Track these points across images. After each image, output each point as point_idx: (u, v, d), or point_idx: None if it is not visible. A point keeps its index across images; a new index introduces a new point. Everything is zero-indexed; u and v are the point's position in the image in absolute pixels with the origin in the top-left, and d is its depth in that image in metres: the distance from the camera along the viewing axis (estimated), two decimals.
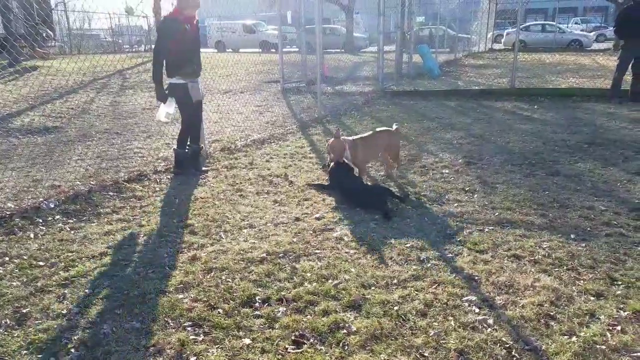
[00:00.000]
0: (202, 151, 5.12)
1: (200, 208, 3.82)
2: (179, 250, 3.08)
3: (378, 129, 4.52)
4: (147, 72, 13.23)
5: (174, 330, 2.28)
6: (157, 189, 4.30)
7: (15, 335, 2.24)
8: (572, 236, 3.19)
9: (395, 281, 2.68)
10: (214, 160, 5.20)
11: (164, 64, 4.38)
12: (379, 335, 2.21)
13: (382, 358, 2.08)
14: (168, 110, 4.62)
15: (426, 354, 2.09)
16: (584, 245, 3.05)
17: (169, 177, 4.64)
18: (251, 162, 5.16)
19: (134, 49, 24.82)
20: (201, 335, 2.25)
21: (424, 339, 2.19)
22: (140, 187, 4.30)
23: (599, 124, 6.66)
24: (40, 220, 3.53)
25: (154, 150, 5.59)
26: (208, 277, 2.75)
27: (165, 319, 2.36)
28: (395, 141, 4.58)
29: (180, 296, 2.55)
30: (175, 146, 4.76)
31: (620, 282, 2.61)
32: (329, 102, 8.95)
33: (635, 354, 2.06)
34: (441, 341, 2.17)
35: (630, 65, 7.96)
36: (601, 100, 8.36)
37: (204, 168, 4.88)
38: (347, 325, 2.28)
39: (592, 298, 2.47)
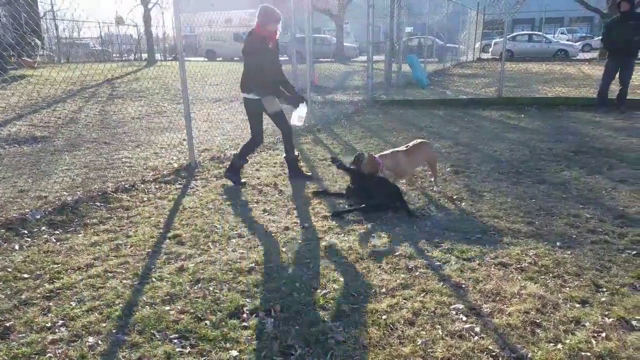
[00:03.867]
0: (292, 158, 4.97)
1: (189, 218, 3.80)
2: (166, 261, 3.06)
3: (416, 141, 4.47)
4: (136, 81, 13.21)
5: (160, 342, 2.26)
6: (145, 199, 4.27)
7: None
8: (558, 244, 3.23)
9: (383, 290, 2.68)
10: (203, 170, 5.19)
11: (243, 78, 4.42)
12: (367, 345, 2.21)
13: None
14: (300, 114, 4.59)
15: None
16: (569, 252, 3.09)
17: (157, 186, 4.61)
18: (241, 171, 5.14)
19: (123, 58, 24.76)
20: (188, 347, 2.23)
21: (412, 348, 2.19)
22: (128, 198, 4.27)
23: (584, 132, 6.77)
24: (26, 232, 3.49)
25: (143, 159, 5.56)
26: (195, 288, 2.73)
27: (152, 331, 2.33)
28: (433, 152, 4.61)
29: (167, 308, 2.53)
30: (236, 151, 4.73)
31: (605, 289, 2.65)
32: (319, 111, 9.00)
33: None
34: (429, 350, 2.18)
35: (617, 74, 8.13)
36: (587, 109, 8.51)
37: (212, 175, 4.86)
38: (335, 335, 2.28)
39: (577, 305, 2.50)
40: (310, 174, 5.01)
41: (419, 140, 4.51)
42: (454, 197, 4.22)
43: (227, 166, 4.83)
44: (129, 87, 12.11)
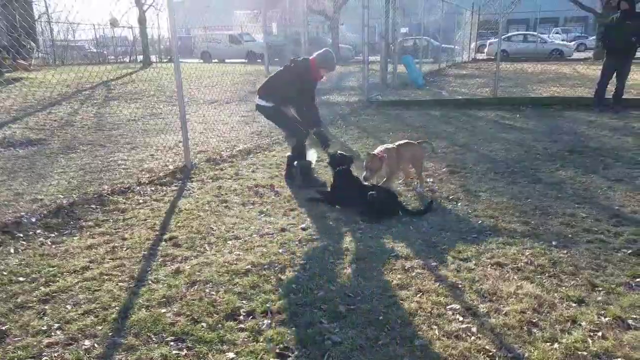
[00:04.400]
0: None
1: (185, 220, 3.79)
2: (163, 263, 3.05)
3: (401, 141, 4.48)
4: (132, 82, 13.16)
5: (156, 345, 2.25)
6: (141, 201, 4.26)
7: None
8: (554, 243, 3.24)
9: (380, 290, 2.68)
10: (199, 171, 5.18)
11: (284, 97, 4.65)
12: (364, 346, 2.21)
13: None
14: (312, 157, 4.97)
15: None
16: (565, 252, 3.10)
17: (153, 188, 4.60)
18: (237, 172, 5.15)
19: (119, 60, 24.69)
20: (184, 350, 2.22)
21: (409, 348, 2.19)
22: (124, 200, 4.26)
23: (579, 132, 6.81)
24: (21, 235, 3.47)
25: (138, 161, 5.54)
26: (192, 290, 2.72)
27: (148, 334, 2.33)
28: (420, 151, 4.55)
29: (164, 310, 2.52)
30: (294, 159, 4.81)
31: (601, 288, 2.66)
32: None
33: None
34: (426, 350, 2.18)
35: (615, 74, 8.17)
36: (582, 108, 8.55)
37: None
38: (332, 336, 2.28)
39: (573, 304, 2.51)
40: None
41: (405, 141, 4.53)
42: (450, 197, 4.23)
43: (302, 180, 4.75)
44: (124, 89, 12.07)
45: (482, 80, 13.86)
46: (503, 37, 20.39)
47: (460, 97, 10.53)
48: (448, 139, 6.57)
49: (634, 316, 2.39)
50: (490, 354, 2.14)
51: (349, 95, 11.10)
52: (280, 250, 3.21)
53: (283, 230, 3.58)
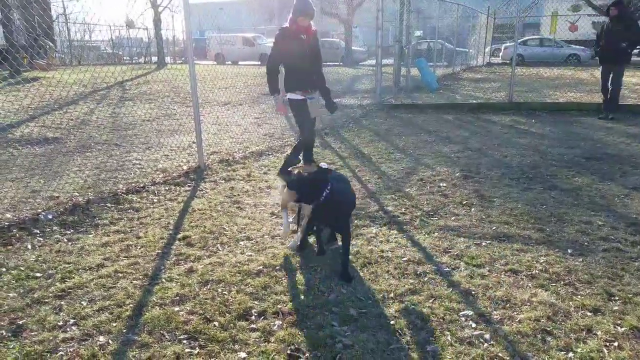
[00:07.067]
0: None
1: (198, 220, 3.82)
2: (176, 262, 3.08)
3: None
4: (146, 83, 13.33)
5: (169, 343, 2.27)
6: (155, 200, 4.31)
7: (11, 346, 2.23)
8: (570, 251, 3.19)
9: (391, 295, 2.67)
10: (212, 172, 5.22)
11: (284, 78, 4.38)
12: (375, 350, 2.20)
13: None
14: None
15: None
16: (581, 260, 3.06)
17: (167, 188, 4.64)
18: (249, 174, 5.18)
19: (134, 61, 25.02)
20: (197, 348, 2.24)
21: (420, 354, 2.18)
22: (138, 199, 4.31)
23: (596, 138, 6.71)
24: (38, 232, 3.53)
25: (153, 161, 5.60)
26: (204, 289, 2.74)
27: (161, 332, 2.35)
28: None
29: (177, 309, 2.54)
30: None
31: (617, 298, 2.61)
32: (327, 115, 8.99)
33: None
34: (437, 356, 2.16)
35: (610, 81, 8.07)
36: (599, 114, 8.42)
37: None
38: (342, 339, 2.27)
39: (589, 313, 2.47)
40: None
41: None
42: (464, 202, 4.19)
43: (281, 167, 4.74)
44: (139, 89, 12.22)
45: (497, 84, 13.75)
46: (519, 41, 20.25)
47: (474, 101, 10.45)
48: (462, 143, 6.53)
49: None
50: None
51: (361, 98, 11.09)
52: (291, 252, 3.22)
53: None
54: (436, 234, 3.53)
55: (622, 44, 7.63)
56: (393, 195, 4.40)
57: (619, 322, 2.39)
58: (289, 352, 2.20)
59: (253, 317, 2.47)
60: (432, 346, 2.22)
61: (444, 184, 4.71)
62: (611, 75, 8.05)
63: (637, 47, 8.09)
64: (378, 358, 2.15)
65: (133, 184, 4.66)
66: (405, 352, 2.19)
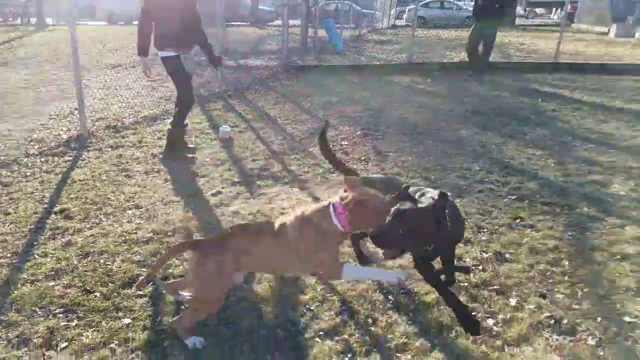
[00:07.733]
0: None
1: (79, 191, 3.51)
2: (52, 237, 2.82)
3: None
4: (22, 47, 11.73)
5: (42, 318, 2.11)
6: (28, 173, 3.87)
7: None
8: (450, 194, 3.45)
9: None
10: (97, 140, 4.79)
11: (153, 34, 3.91)
12: None
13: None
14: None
15: None
16: (458, 200, 3.34)
17: (43, 159, 4.19)
18: (140, 140, 4.85)
19: (8, 22, 21.88)
20: (75, 320, 2.11)
21: None
22: (8, 173, 3.84)
23: (483, 94, 7.27)
24: None
25: (27, 132, 5.00)
26: (84, 261, 2.56)
27: (33, 308, 2.16)
28: None
29: (52, 283, 2.35)
30: (169, 126, 4.30)
31: (485, 230, 2.92)
32: (232, 76, 8.67)
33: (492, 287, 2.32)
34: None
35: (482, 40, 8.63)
36: (490, 72, 9.04)
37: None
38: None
39: (461, 245, 2.70)
40: (192, 146, 4.55)
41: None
42: (362, 158, 4.34)
43: (165, 146, 4.35)
44: (13, 53, 10.73)
45: (400, 46, 14.20)
46: (420, 3, 20.95)
47: (377, 62, 10.72)
48: (364, 103, 6.69)
49: (511, 251, 2.67)
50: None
51: (267, 60, 10.81)
52: (186, 216, 3.10)
53: (191, 196, 3.46)
54: (334, 188, 3.62)
55: (496, 5, 8.20)
56: (296, 155, 4.41)
57: (485, 249, 2.68)
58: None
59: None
60: None
61: (346, 142, 4.83)
62: (481, 38, 8.54)
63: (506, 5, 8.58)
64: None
65: (2, 157, 4.13)
66: None
